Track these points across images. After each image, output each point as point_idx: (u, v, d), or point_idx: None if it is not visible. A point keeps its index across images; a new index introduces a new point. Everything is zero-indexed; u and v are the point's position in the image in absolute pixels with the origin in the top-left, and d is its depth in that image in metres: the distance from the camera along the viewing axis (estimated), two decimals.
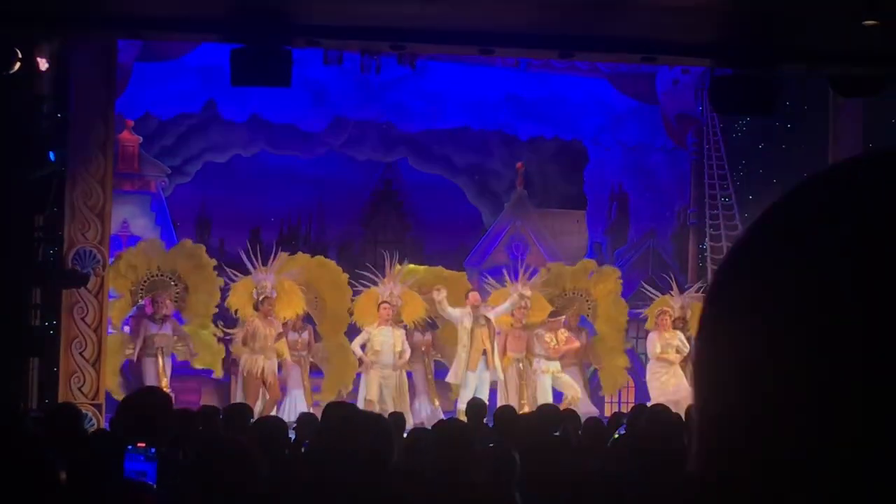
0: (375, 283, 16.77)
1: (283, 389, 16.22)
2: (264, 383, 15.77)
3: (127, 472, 5.41)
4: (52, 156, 14.37)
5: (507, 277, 17.12)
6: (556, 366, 16.73)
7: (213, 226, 21.24)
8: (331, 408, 8.50)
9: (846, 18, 9.47)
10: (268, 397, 15.77)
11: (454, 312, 16.25)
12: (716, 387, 0.83)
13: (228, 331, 16.43)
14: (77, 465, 5.06)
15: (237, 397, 15.61)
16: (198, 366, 16.68)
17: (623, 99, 20.19)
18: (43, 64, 13.00)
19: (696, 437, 0.86)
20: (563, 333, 16.97)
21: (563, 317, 17.23)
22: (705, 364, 0.85)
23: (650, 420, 8.31)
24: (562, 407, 15.96)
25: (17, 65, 12.10)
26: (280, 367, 16.10)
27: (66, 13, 10.79)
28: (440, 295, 16.17)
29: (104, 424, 13.84)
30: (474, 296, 16.48)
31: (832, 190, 0.83)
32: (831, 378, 0.76)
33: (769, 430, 0.78)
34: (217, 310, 16.79)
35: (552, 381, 16.65)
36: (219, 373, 16.81)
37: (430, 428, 8.33)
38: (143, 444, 5.50)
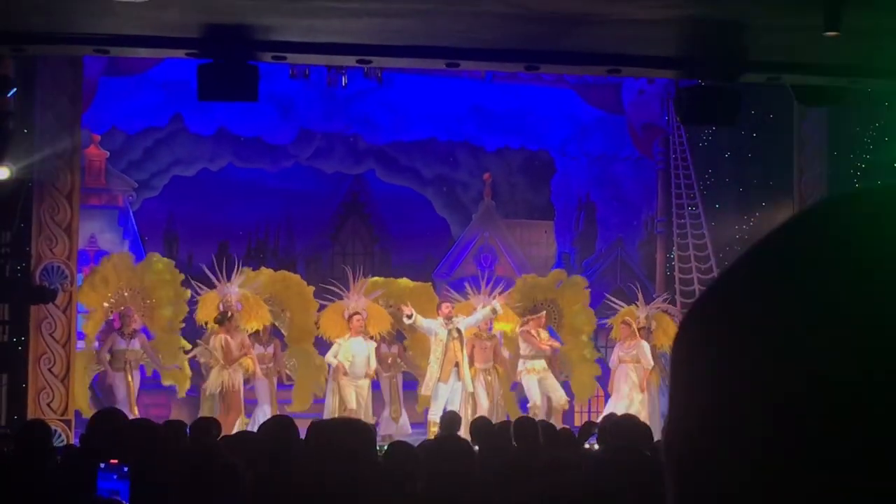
0: (341, 297, 16.78)
1: (253, 403, 16.20)
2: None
3: (99, 490, 5.42)
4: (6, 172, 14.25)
5: (470, 290, 17.13)
6: (541, 364, 16.70)
7: (180, 240, 21.22)
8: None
9: (807, 29, 9.57)
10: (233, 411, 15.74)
11: (429, 324, 16.26)
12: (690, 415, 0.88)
13: (191, 353, 16.35)
14: (49, 482, 5.06)
15: (211, 412, 15.49)
16: (165, 382, 16.64)
17: (589, 109, 20.28)
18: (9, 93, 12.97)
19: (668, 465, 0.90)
20: (544, 332, 16.98)
21: (544, 312, 17.23)
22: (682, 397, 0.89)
23: (614, 429, 8.39)
24: (532, 413, 16.03)
25: None
26: (247, 380, 16.06)
27: (32, 30, 10.78)
28: (409, 310, 16.19)
29: (74, 440, 13.81)
30: (447, 307, 16.50)
31: (806, 237, 0.87)
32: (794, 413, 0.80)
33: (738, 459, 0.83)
34: (184, 324, 16.77)
35: (538, 384, 16.63)
36: (182, 392, 16.66)
37: (404, 440, 8.36)
38: (116, 462, 5.51)
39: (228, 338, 15.76)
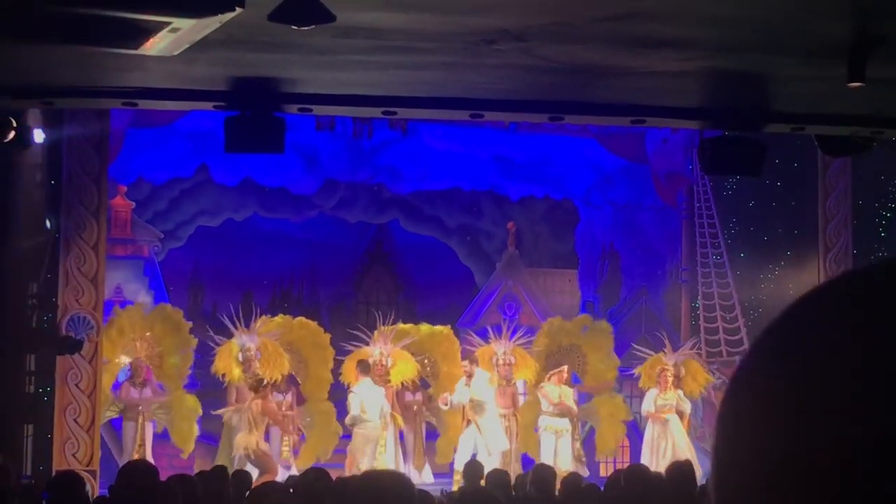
0: (367, 343, 16.83)
1: None
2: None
3: None
4: (46, 223, 14.44)
5: (491, 335, 17.28)
6: (563, 424, 16.68)
7: (205, 290, 21.27)
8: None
9: (831, 80, 9.60)
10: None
11: (458, 398, 16.41)
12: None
13: (223, 412, 16.28)
14: None
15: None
16: (174, 440, 16.53)
17: (613, 158, 20.31)
18: (39, 136, 13.10)
19: None
20: (566, 387, 16.94)
21: (565, 366, 17.19)
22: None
23: (627, 479, 8.37)
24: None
25: (12, 134, 12.17)
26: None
27: (61, 83, 10.90)
28: (446, 399, 16.41)
29: (98, 491, 13.82)
30: (468, 367, 16.61)
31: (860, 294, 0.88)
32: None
33: None
34: (190, 371, 16.78)
35: (554, 444, 16.60)
36: (185, 454, 16.44)
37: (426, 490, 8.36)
38: None
39: (266, 403, 15.72)
